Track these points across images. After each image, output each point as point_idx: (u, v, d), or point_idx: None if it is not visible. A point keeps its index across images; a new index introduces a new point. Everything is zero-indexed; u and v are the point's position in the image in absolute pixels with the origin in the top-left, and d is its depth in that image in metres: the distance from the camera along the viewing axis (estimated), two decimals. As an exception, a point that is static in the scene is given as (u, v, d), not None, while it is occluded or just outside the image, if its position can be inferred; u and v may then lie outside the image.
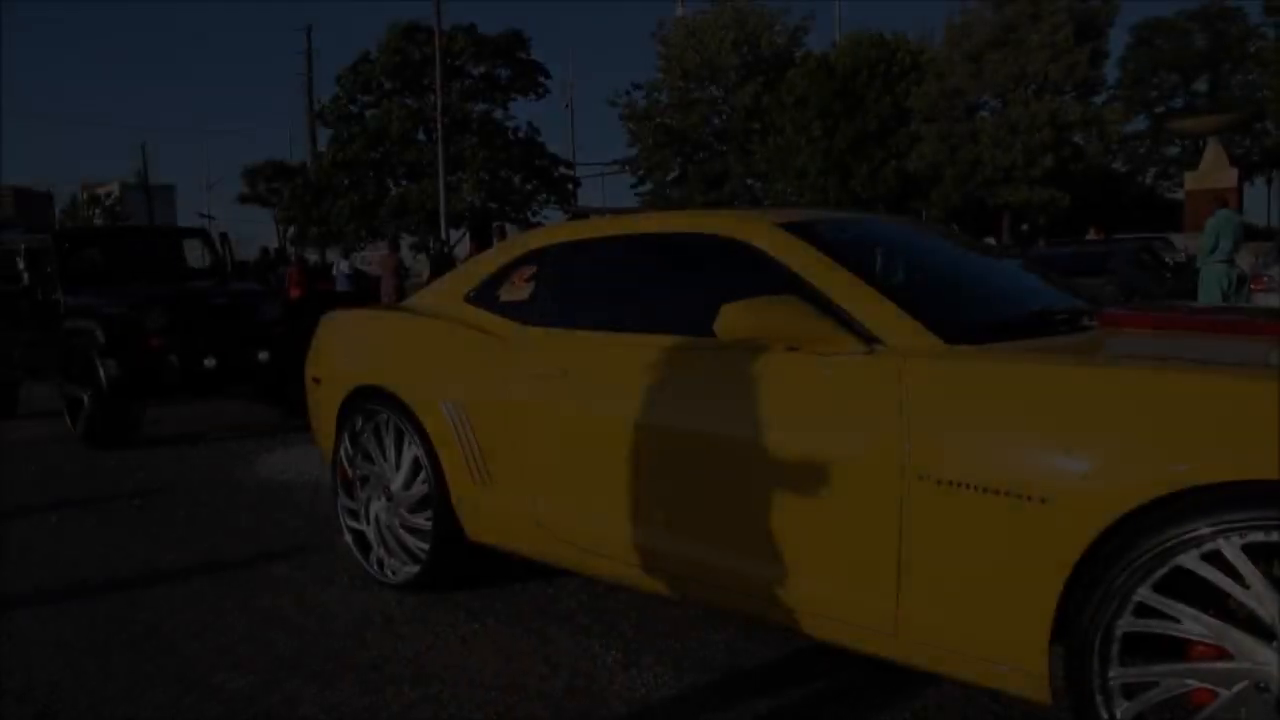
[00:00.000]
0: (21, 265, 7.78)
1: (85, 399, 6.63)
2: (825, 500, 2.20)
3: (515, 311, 3.12)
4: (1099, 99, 26.83)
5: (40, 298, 7.47)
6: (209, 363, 6.76)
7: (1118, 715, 1.84)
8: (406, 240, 24.75)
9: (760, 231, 2.57)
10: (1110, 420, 1.84)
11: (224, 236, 8.94)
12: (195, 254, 8.93)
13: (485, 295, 3.27)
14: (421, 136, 30.45)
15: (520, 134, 31.51)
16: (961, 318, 2.34)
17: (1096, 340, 2.30)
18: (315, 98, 33.08)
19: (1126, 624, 1.82)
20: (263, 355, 6.95)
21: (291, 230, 32.07)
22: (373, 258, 20.34)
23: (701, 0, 30.00)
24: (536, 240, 3.25)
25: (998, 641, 1.98)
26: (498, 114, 31.43)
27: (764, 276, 2.46)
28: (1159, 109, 39.09)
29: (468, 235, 28.52)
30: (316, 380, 3.83)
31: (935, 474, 2.01)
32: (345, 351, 3.67)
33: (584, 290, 3.04)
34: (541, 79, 31.98)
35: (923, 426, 2.05)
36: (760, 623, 3.01)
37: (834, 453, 2.18)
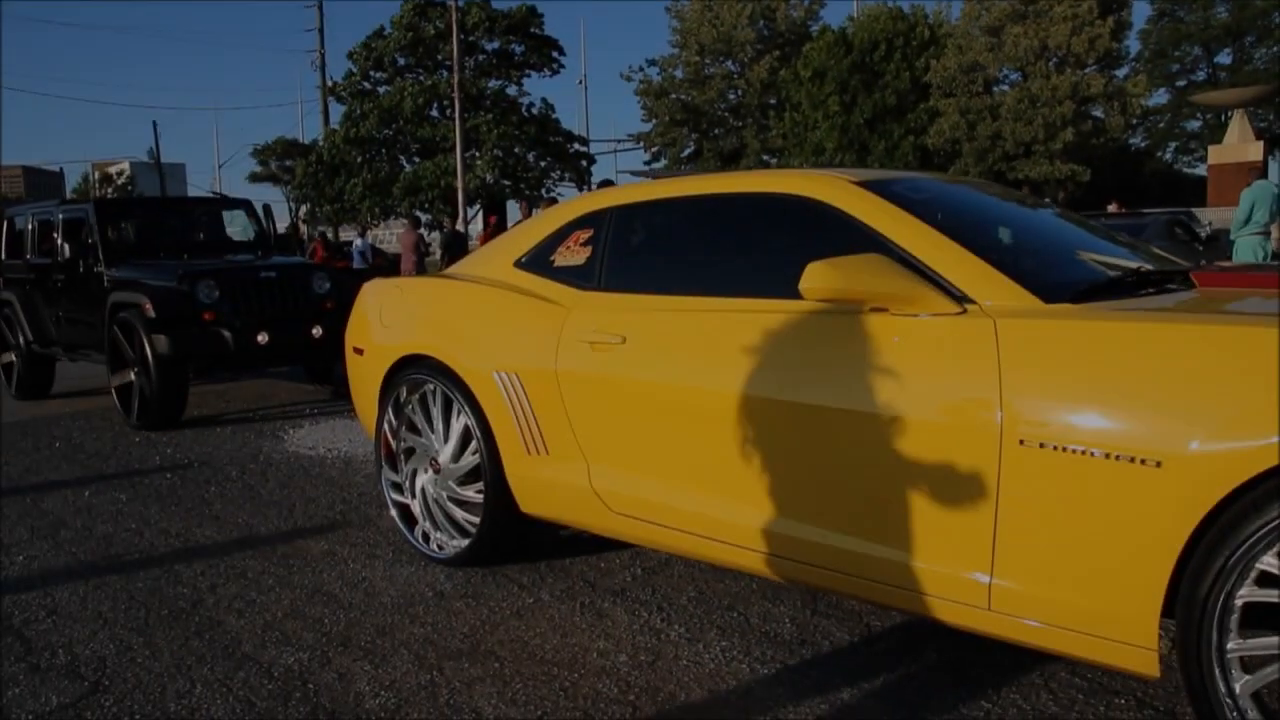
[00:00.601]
0: (59, 237, 7.43)
1: (133, 376, 6.36)
2: (914, 467, 2.08)
3: (571, 276, 3.00)
4: (1121, 72, 26.41)
5: (81, 271, 7.16)
6: (262, 338, 6.43)
7: (1235, 689, 1.74)
8: (424, 217, 24.57)
9: (838, 191, 2.44)
10: (1234, 380, 1.71)
11: (267, 209, 8.69)
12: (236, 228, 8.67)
13: (538, 261, 3.15)
14: (435, 113, 30.23)
15: (534, 110, 31.27)
16: (1054, 277, 2.21)
17: (1201, 300, 2.17)
18: (328, 76, 32.92)
19: (1248, 593, 1.70)
20: (316, 331, 6.66)
21: (305, 208, 31.97)
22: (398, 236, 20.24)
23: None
24: (592, 203, 3.12)
25: (1103, 614, 1.87)
26: (511, 90, 31.19)
27: (843, 237, 2.34)
28: (1180, 83, 38.54)
29: (481, 214, 28.35)
30: (359, 351, 3.73)
31: (1036, 437, 1.89)
32: (390, 320, 3.55)
33: (647, 253, 2.92)
34: (556, 55, 31.70)
35: (1022, 388, 1.93)
36: (835, 595, 2.91)
37: (925, 417, 2.06)
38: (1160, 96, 35.24)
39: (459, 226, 20.23)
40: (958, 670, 2.47)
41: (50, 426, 6.68)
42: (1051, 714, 2.24)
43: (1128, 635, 1.84)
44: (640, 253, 2.92)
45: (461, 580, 3.23)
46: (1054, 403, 1.89)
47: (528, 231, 3.32)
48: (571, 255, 3.05)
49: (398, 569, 3.37)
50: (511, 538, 3.28)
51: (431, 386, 3.30)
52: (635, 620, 2.83)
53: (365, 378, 3.68)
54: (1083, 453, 1.83)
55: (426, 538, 3.45)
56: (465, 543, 3.27)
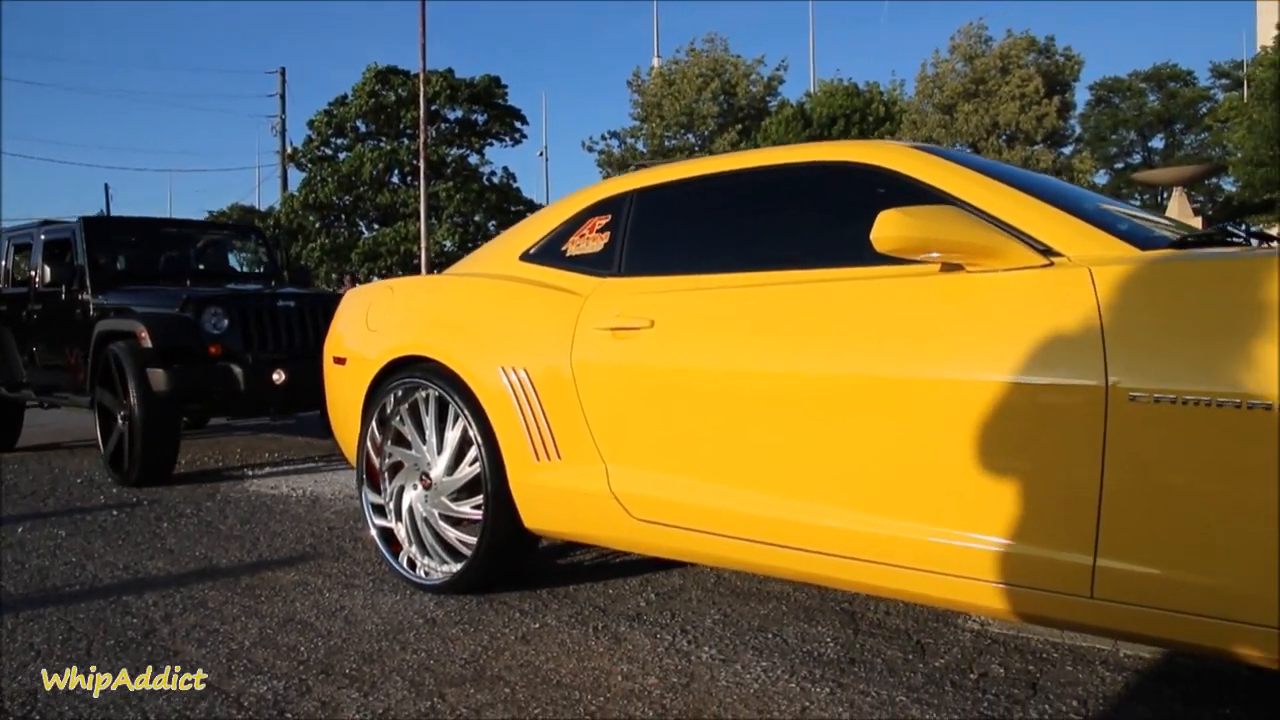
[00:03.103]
0: (40, 259, 6.42)
1: (119, 420, 5.29)
2: (1003, 438, 1.84)
3: (588, 264, 2.75)
4: (1067, 149, 27.34)
5: (63, 299, 6.20)
6: (278, 377, 5.39)
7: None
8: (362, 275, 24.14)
9: (897, 155, 2.24)
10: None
11: (276, 239, 8.06)
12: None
13: (548, 252, 2.90)
14: (395, 180, 30.14)
15: (495, 179, 31.32)
16: (1143, 231, 2.02)
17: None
18: (288, 141, 32.75)
19: None
20: None
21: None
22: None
23: (675, 38, 30.14)
24: (609, 189, 2.89)
25: (1221, 592, 1.62)
26: (473, 159, 31.26)
27: (906, 201, 2.12)
28: (1119, 165, 40.12)
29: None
30: (340, 361, 3.41)
31: (1150, 390, 1.66)
32: (378, 324, 3.25)
33: (675, 234, 2.68)
34: (518, 125, 31.95)
35: (1130, 339, 1.71)
36: (906, 599, 2.64)
37: (1015, 380, 1.82)
38: (1101, 177, 36.57)
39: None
40: (1030, 683, 2.20)
41: (-18, 470, 6.17)
42: (1154, 729, 1.97)
43: (1252, 614, 1.59)
44: (667, 234, 2.68)
45: (454, 608, 2.87)
46: (1169, 351, 1.67)
47: (534, 224, 3.08)
48: (587, 243, 2.80)
49: (380, 598, 3.01)
50: (511, 559, 2.95)
51: (424, 392, 3.00)
52: (658, 644, 2.52)
53: (346, 389, 3.35)
54: (1207, 404, 1.60)
55: (413, 564, 3.09)
56: (458, 566, 2.93)
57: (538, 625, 2.69)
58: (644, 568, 3.27)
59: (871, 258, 2.08)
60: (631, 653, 2.45)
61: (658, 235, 2.68)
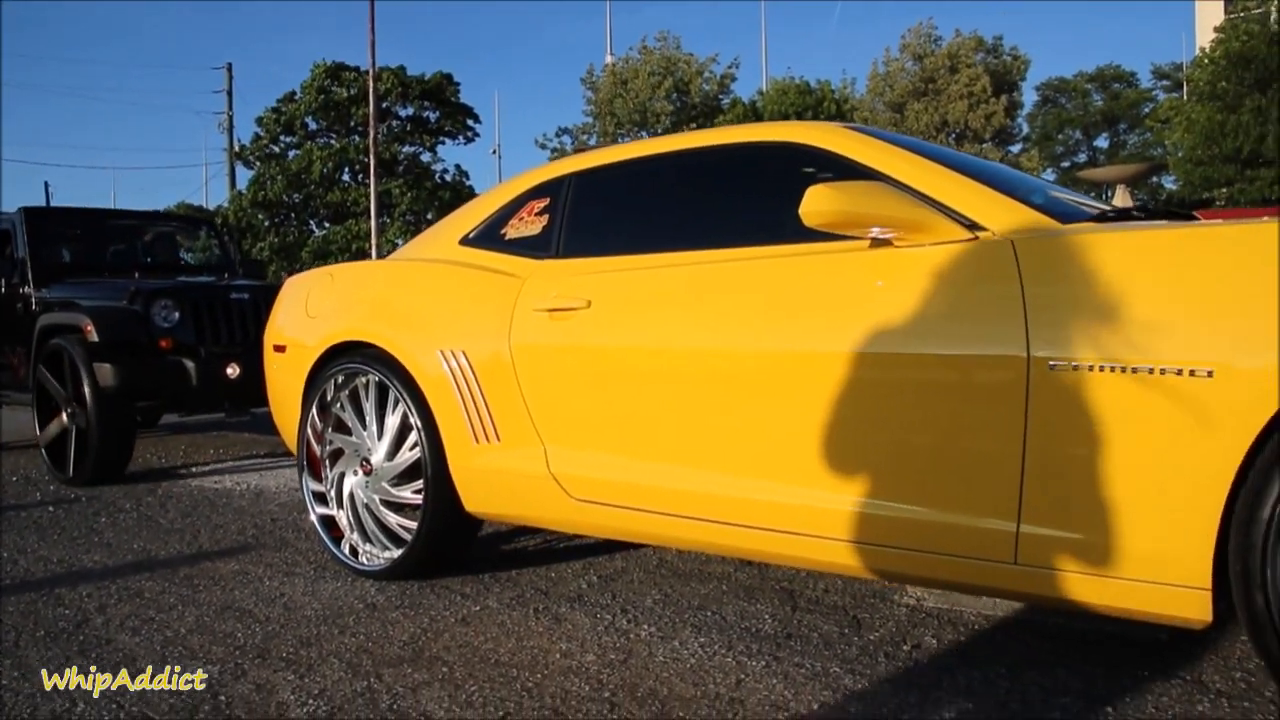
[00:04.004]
0: None
1: (65, 417, 5.12)
2: (931, 409, 1.88)
3: (527, 247, 2.75)
4: (1015, 148, 27.87)
5: (3, 292, 5.95)
6: (232, 371, 5.23)
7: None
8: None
9: (829, 134, 2.28)
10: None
11: (228, 229, 7.83)
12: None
13: (487, 236, 2.90)
14: (345, 178, 29.76)
15: (448, 177, 31.06)
16: (1065, 206, 2.08)
17: (1221, 221, 2.05)
18: (235, 139, 32.18)
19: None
20: None
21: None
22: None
23: (628, 38, 30.20)
24: (548, 173, 2.89)
25: (1149, 554, 1.68)
26: (425, 157, 30.98)
27: (837, 180, 2.15)
28: (1065, 164, 41.01)
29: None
30: (279, 349, 3.37)
31: (1070, 359, 1.71)
32: (317, 310, 3.22)
33: (613, 215, 2.70)
34: (471, 123, 31.72)
35: (1050, 309, 1.76)
36: (842, 573, 2.68)
37: (941, 352, 1.87)
38: (1048, 175, 37.33)
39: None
40: (962, 653, 2.25)
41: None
42: (1072, 688, 2.02)
43: (1178, 575, 1.65)
44: (605, 215, 2.70)
45: (395, 593, 2.86)
46: (1087, 321, 1.72)
47: (474, 209, 3.07)
48: (526, 226, 2.81)
49: (321, 584, 2.98)
50: (453, 543, 2.94)
51: (364, 378, 2.98)
52: (598, 623, 2.53)
53: (287, 377, 3.32)
54: (1124, 370, 1.66)
55: (355, 551, 3.07)
56: (400, 552, 2.92)
57: (478, 608, 2.68)
58: (587, 552, 3.28)
59: (805, 235, 2.12)
60: (571, 632, 2.46)
61: (596, 217, 2.69)
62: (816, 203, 1.91)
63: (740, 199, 2.45)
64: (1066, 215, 1.96)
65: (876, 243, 2.01)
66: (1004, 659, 2.21)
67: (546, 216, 2.76)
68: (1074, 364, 1.71)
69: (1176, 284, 1.66)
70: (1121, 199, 24.96)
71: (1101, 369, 1.68)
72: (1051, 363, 1.73)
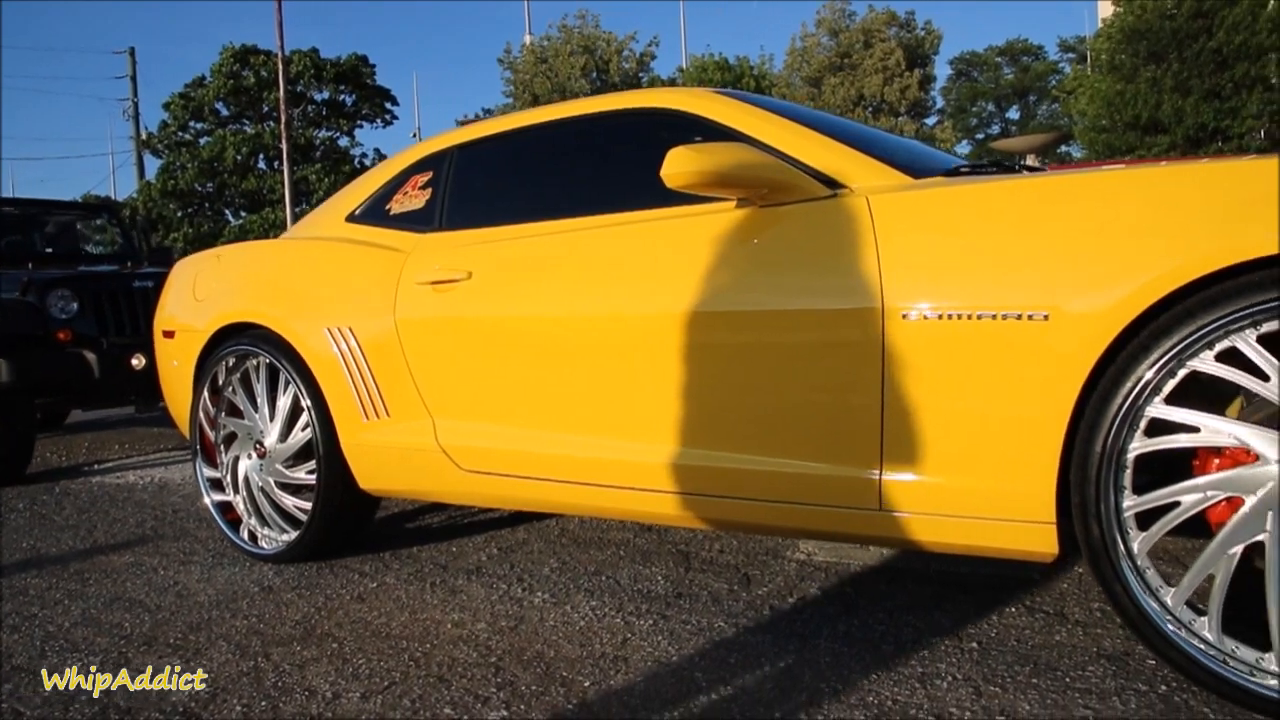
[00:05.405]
0: None
1: None
2: (796, 363, 1.94)
3: (411, 221, 2.74)
4: (930, 120, 28.44)
5: None
6: (137, 362, 5.05)
7: (1134, 548, 1.66)
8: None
9: (695, 99, 2.32)
10: (1114, 226, 1.65)
11: (133, 216, 7.49)
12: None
13: (373, 212, 2.87)
14: (261, 165, 28.95)
15: (367, 162, 30.44)
16: (921, 163, 2.15)
17: (1064, 171, 2.14)
18: (142, 126, 31.01)
19: (1139, 446, 1.63)
20: None
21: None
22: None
23: (546, 15, 29.84)
24: (431, 146, 2.87)
25: (1000, 493, 1.76)
26: (343, 141, 30.29)
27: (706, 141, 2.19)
28: (979, 135, 42.01)
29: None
30: (168, 334, 3.29)
31: (920, 308, 1.78)
32: (205, 293, 3.15)
33: (493, 187, 2.69)
34: (389, 105, 31.10)
35: (902, 261, 1.82)
36: (723, 528, 2.74)
37: (803, 307, 1.92)
38: (964, 146, 38.22)
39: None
40: (845, 601, 2.33)
41: None
42: (944, 628, 2.11)
43: (1025, 512, 1.74)
44: (486, 187, 2.69)
45: (293, 574, 2.84)
46: (936, 271, 1.79)
47: (359, 185, 3.03)
48: (410, 201, 2.79)
49: (217, 571, 2.94)
50: (350, 522, 2.92)
51: (255, 360, 2.93)
52: (493, 593, 2.55)
53: (177, 362, 3.25)
54: (968, 317, 1.73)
55: (254, 536, 3.03)
56: (295, 534, 2.89)
57: (375, 584, 2.68)
58: (491, 525, 3.30)
59: (676, 199, 2.15)
60: (465, 603, 2.47)
61: (477, 189, 2.69)
62: (676, 164, 1.94)
63: (612, 166, 2.47)
64: (921, 171, 2.03)
65: (742, 203, 2.05)
66: (885, 606, 2.29)
67: (430, 190, 2.74)
68: (924, 313, 1.77)
69: (1014, 233, 1.73)
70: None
71: (949, 316, 1.75)
72: (904, 313, 1.79)
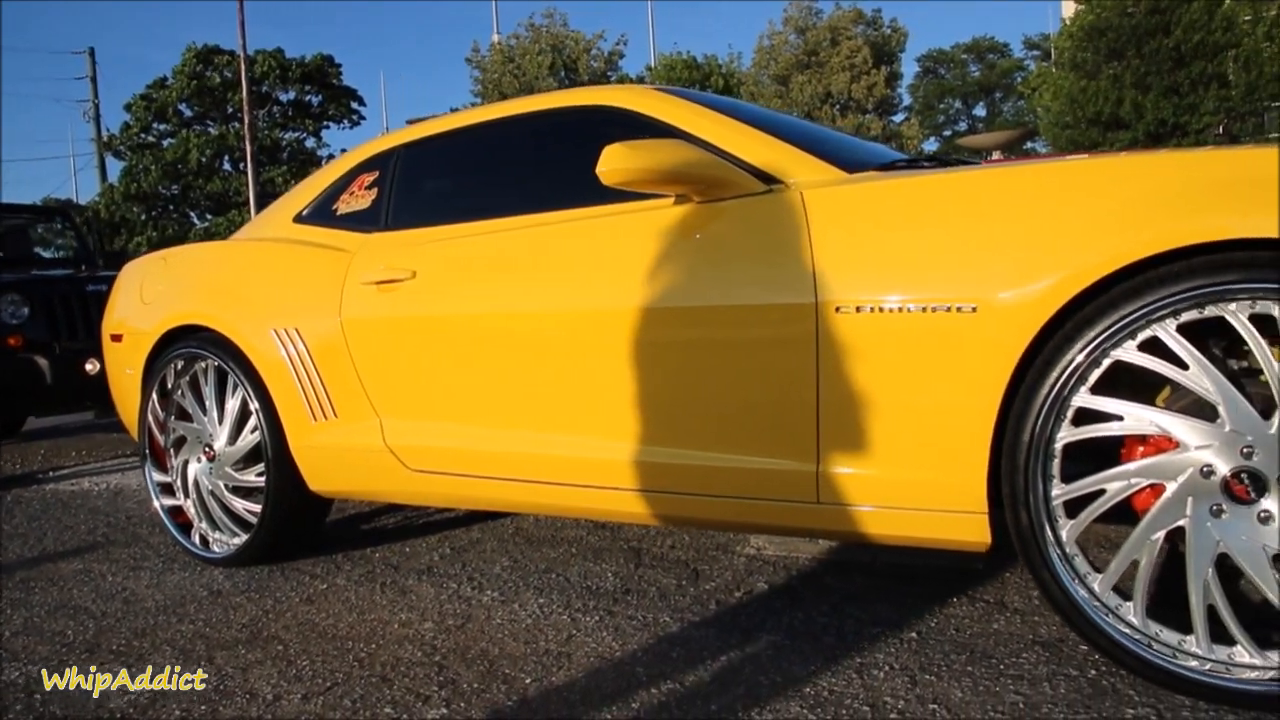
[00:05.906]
0: None
1: None
2: (735, 359, 1.95)
3: (357, 221, 2.73)
4: (897, 118, 28.67)
5: None
6: (92, 367, 5.05)
7: (1063, 536, 1.69)
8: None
9: (634, 95, 2.33)
10: (1040, 218, 1.68)
11: (90, 220, 7.40)
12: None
13: (320, 212, 2.86)
14: (226, 166, 28.62)
15: (334, 163, 30.20)
16: (856, 157, 2.17)
17: (997, 164, 2.17)
18: (104, 128, 30.55)
19: (1066, 435, 1.66)
20: None
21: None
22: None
23: (514, 15, 29.76)
24: (377, 146, 2.87)
25: (931, 483, 1.79)
26: (310, 142, 30.03)
27: (644, 138, 2.20)
28: (946, 132, 42.41)
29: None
30: (116, 338, 3.26)
31: (852, 301, 1.80)
32: (152, 296, 3.13)
33: (438, 186, 2.70)
34: (355, 105, 30.86)
35: (834, 254, 1.84)
36: (669, 524, 2.75)
37: (740, 302, 1.94)
38: (931, 143, 38.57)
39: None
40: (791, 594, 2.35)
41: None
42: (886, 619, 2.14)
43: (957, 502, 1.77)
44: (431, 187, 2.69)
45: (244, 578, 2.82)
46: (867, 264, 1.81)
47: (307, 186, 3.02)
48: (356, 201, 2.78)
49: (167, 576, 2.91)
50: (301, 524, 2.91)
51: (203, 362, 2.91)
52: (443, 592, 2.54)
53: (125, 366, 3.22)
54: (899, 309, 1.75)
55: (205, 541, 3.01)
56: (246, 537, 2.87)
57: (325, 586, 2.67)
58: (444, 526, 3.29)
59: (617, 196, 2.16)
60: (414, 603, 2.47)
61: (422, 188, 2.69)
62: (612, 161, 1.95)
63: (555, 164, 2.48)
64: (855, 165, 2.05)
65: (680, 199, 2.06)
66: (829, 598, 2.31)
67: (376, 190, 2.74)
68: (856, 306, 1.80)
69: (943, 226, 1.76)
70: (998, 165, 26.15)
71: (880, 309, 1.77)
72: (837, 307, 1.81)
